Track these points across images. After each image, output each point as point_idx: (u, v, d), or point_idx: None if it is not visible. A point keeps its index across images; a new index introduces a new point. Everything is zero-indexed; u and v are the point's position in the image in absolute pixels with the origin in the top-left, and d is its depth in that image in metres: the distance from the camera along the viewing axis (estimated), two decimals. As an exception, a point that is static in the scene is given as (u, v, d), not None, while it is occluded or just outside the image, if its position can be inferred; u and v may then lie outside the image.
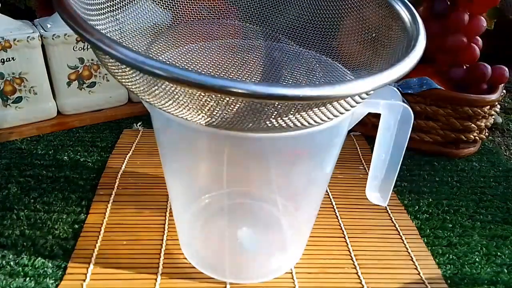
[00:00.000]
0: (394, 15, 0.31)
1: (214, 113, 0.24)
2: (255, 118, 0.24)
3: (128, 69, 0.24)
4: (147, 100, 0.26)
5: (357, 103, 0.27)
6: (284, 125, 0.25)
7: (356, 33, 0.34)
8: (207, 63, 0.34)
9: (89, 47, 0.55)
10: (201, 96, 0.23)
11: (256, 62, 0.35)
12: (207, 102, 0.24)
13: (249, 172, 0.34)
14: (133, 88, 0.26)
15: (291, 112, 0.24)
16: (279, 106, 0.23)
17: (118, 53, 0.22)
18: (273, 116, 0.24)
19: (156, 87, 0.24)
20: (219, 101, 0.23)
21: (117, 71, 0.25)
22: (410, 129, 0.32)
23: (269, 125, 0.25)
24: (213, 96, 0.23)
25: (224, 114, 0.24)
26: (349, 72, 0.34)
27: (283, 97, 0.21)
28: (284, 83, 0.33)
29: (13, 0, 0.68)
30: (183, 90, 0.23)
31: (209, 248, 0.37)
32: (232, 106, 0.23)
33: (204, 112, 0.25)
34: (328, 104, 0.25)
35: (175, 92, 0.24)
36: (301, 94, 0.21)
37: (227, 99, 0.23)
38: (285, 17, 0.36)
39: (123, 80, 0.26)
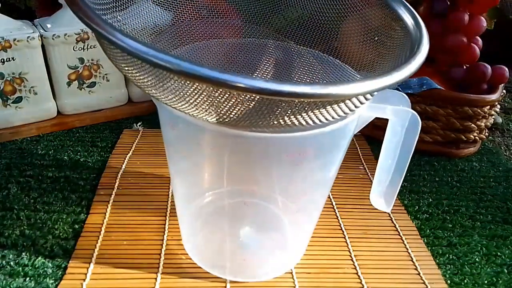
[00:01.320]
0: (395, 16, 0.31)
1: (222, 110, 0.24)
2: (262, 116, 0.24)
3: (138, 62, 0.24)
4: (156, 95, 0.26)
5: (361, 103, 0.27)
6: (290, 123, 0.25)
7: (359, 34, 0.34)
8: (209, 63, 0.34)
9: (89, 47, 0.55)
10: (211, 92, 0.23)
11: (258, 61, 0.35)
12: (216, 98, 0.24)
13: (252, 171, 0.34)
14: (141, 83, 0.26)
15: (299, 110, 0.24)
16: (288, 104, 0.23)
17: (130, 46, 0.22)
18: (281, 114, 0.24)
19: (166, 82, 0.24)
20: (229, 97, 0.23)
21: (126, 65, 0.25)
22: (417, 136, 0.31)
23: (276, 122, 0.25)
24: (223, 92, 0.23)
25: (232, 111, 0.24)
26: (354, 72, 0.34)
27: (293, 95, 0.22)
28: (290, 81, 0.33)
29: (13, 0, 0.68)
30: (193, 85, 0.23)
31: (210, 246, 0.37)
32: (241, 103, 0.23)
33: (212, 108, 0.25)
34: (334, 104, 0.25)
35: (185, 87, 0.24)
36: (311, 92, 0.22)
37: (238, 96, 0.23)
38: (287, 16, 0.36)
39: (132, 74, 0.26)
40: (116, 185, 0.46)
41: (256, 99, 0.23)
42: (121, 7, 0.31)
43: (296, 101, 0.23)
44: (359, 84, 0.23)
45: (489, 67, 0.55)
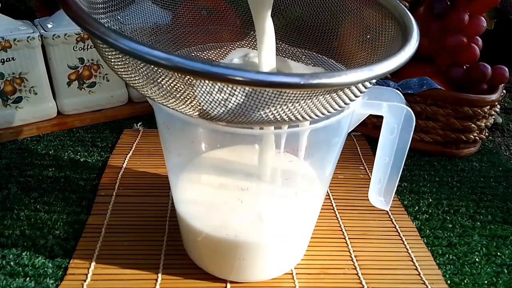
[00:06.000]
0: (388, 14, 0.31)
1: (216, 106, 0.24)
2: (255, 110, 0.24)
3: (131, 61, 0.24)
4: (149, 95, 0.26)
5: (355, 96, 0.26)
6: (284, 117, 0.25)
7: (353, 34, 0.34)
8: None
9: (89, 47, 0.55)
10: (203, 87, 0.23)
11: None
12: (209, 93, 0.24)
13: (247, 169, 0.34)
14: (134, 83, 0.26)
15: (292, 104, 0.24)
16: (280, 97, 0.23)
17: (122, 44, 0.22)
18: (273, 108, 0.24)
19: (160, 80, 0.24)
20: (220, 92, 0.23)
21: (119, 64, 0.25)
22: (412, 132, 0.32)
23: (268, 117, 0.25)
24: (216, 86, 0.23)
25: (225, 106, 0.24)
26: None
27: (284, 85, 0.22)
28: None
29: (13, 0, 0.68)
30: (184, 81, 0.23)
31: (209, 247, 0.37)
32: (232, 97, 0.23)
33: (205, 104, 0.25)
34: (327, 95, 0.25)
35: (176, 84, 0.24)
36: (302, 82, 0.21)
37: (231, 89, 0.23)
38: (286, 17, 0.36)
39: (124, 74, 0.26)
40: (117, 185, 0.46)
41: (249, 92, 0.23)
42: (118, 5, 0.31)
43: (288, 92, 0.23)
44: (349, 73, 0.23)
45: (489, 67, 0.55)
